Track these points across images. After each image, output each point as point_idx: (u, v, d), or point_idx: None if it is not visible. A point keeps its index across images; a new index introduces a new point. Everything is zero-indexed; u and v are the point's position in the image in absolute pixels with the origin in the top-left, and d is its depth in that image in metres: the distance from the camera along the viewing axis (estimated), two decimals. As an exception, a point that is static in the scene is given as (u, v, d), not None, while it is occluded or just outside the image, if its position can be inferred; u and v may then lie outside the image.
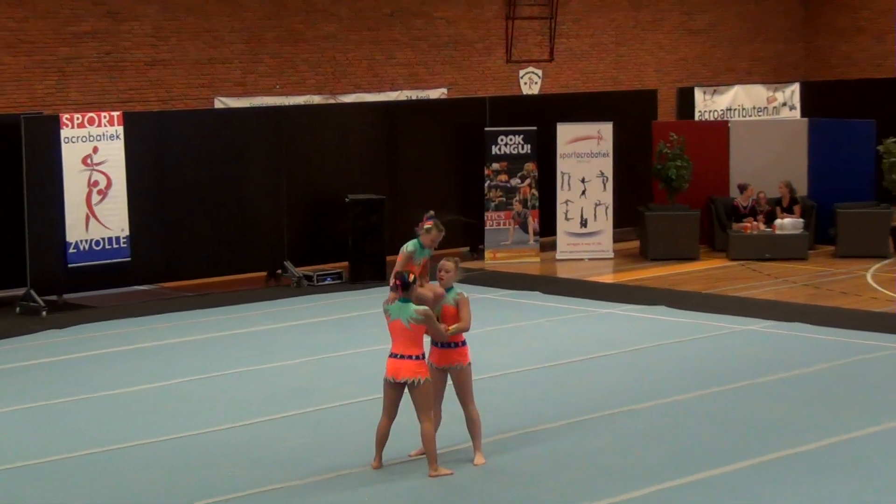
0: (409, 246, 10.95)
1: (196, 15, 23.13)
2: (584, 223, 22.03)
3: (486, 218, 21.90)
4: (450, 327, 10.47)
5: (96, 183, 18.41)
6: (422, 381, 10.33)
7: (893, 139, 21.93)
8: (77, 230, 18.27)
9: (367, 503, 9.88)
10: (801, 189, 22.37)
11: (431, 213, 11.35)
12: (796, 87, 28.15)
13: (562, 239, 22.07)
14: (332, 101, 24.02)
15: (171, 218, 19.30)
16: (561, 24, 28.04)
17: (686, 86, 28.28)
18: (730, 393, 12.97)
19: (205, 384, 13.77)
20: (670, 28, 30.12)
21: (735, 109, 27.28)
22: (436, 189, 21.86)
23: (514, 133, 21.90)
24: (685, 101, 27.10)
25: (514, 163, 21.89)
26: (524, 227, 21.99)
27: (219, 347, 15.63)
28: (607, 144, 21.97)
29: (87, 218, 18.34)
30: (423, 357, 10.40)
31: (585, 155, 21.98)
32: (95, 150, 18.38)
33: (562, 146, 21.94)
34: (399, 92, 25.30)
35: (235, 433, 11.79)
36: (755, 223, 21.75)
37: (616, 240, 22.31)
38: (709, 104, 27.03)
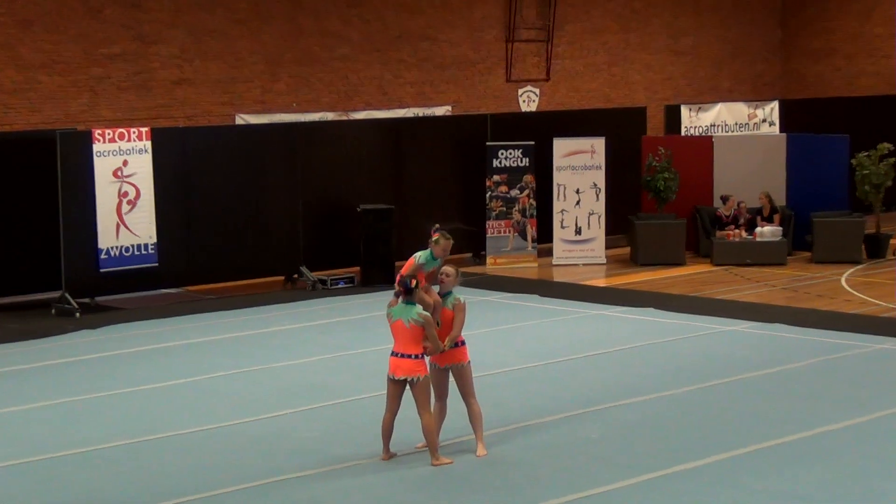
0: (421, 258, 10.57)
1: (219, 38, 23.18)
2: (578, 231, 22.03)
3: (487, 226, 21.90)
4: (444, 343, 10.41)
5: (126, 194, 18.44)
6: (420, 379, 10.31)
7: (865, 153, 21.95)
8: (108, 237, 18.29)
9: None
10: (780, 199, 22.36)
11: (437, 225, 11.20)
12: (775, 104, 28.12)
13: (558, 245, 22.06)
14: (344, 117, 24.05)
15: (195, 226, 19.32)
16: (557, 46, 28.07)
17: (673, 103, 28.29)
18: (714, 388, 12.97)
19: (227, 380, 13.77)
20: (658, 50, 30.15)
21: (718, 125, 27.25)
22: (441, 199, 21.88)
23: (514, 147, 21.91)
24: (672, 118, 27.08)
25: (513, 175, 21.89)
26: (523, 234, 22.00)
27: (240, 346, 15.63)
28: (600, 158, 21.96)
29: (118, 226, 18.36)
30: (423, 356, 10.37)
31: (580, 167, 21.97)
32: (125, 163, 18.40)
33: (558, 159, 21.94)
34: (407, 109, 25.33)
35: (256, 426, 11.80)
36: (737, 231, 21.73)
37: (608, 246, 22.29)
38: (694, 120, 27.01)
